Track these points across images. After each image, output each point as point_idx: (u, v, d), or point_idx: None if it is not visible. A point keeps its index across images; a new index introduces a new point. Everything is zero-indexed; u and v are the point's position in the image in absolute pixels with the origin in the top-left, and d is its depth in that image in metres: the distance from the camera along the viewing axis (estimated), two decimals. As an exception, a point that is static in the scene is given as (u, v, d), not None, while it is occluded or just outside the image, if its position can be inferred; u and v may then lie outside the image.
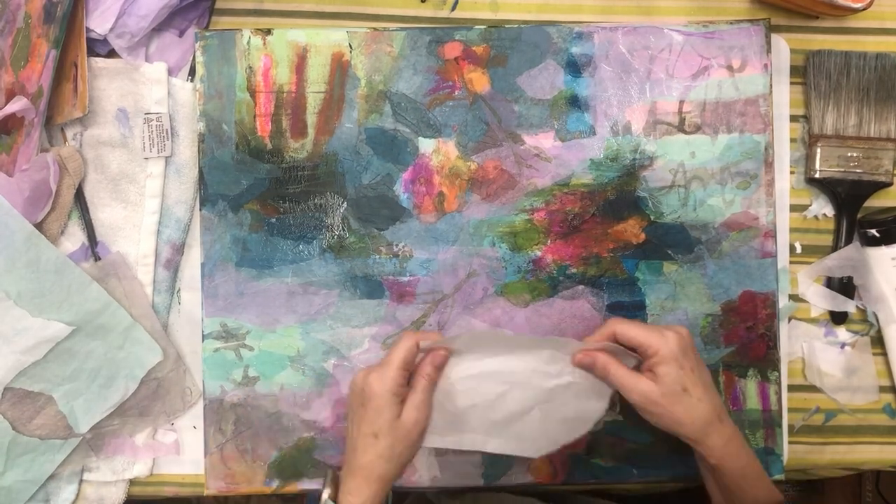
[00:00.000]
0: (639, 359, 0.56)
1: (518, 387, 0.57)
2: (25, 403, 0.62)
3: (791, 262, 0.68)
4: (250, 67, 0.65)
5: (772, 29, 0.66)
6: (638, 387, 0.55)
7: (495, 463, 0.65)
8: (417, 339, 0.56)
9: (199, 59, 0.65)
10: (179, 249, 0.66)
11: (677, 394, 0.54)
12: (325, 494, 0.55)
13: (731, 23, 0.66)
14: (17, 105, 0.60)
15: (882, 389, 0.68)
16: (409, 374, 0.56)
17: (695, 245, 0.65)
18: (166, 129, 0.65)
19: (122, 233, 0.65)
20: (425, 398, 0.55)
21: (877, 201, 0.68)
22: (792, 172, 0.68)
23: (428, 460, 0.65)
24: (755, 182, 0.65)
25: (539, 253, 0.65)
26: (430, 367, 0.56)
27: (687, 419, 0.54)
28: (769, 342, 0.65)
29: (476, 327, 0.65)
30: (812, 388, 0.67)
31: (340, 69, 0.65)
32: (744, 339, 0.65)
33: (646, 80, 0.65)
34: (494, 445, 0.58)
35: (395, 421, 0.54)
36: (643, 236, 0.65)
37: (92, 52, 0.65)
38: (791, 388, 0.67)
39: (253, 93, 0.65)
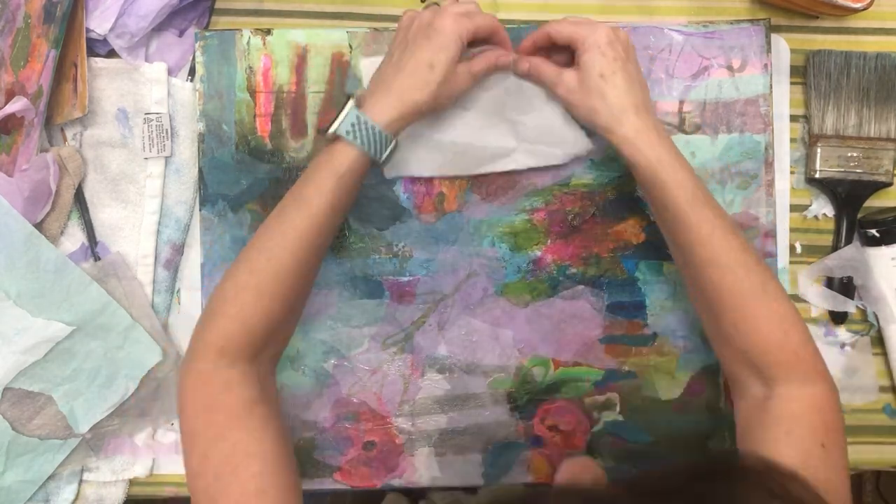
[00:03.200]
0: None
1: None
2: (25, 403, 0.62)
3: (791, 263, 0.67)
4: (250, 67, 0.65)
5: (772, 29, 0.66)
6: (562, 78, 0.57)
7: (495, 463, 0.65)
8: (499, 26, 0.58)
9: (199, 59, 0.65)
10: (179, 249, 0.66)
11: (594, 80, 0.55)
12: (351, 102, 0.54)
13: (731, 23, 0.66)
14: (17, 105, 0.60)
15: (882, 389, 0.68)
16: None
17: (695, 245, 0.65)
18: (166, 129, 0.65)
19: (121, 233, 0.65)
20: (484, 69, 0.59)
21: (877, 201, 0.68)
22: (792, 172, 0.68)
23: (428, 460, 0.65)
24: (755, 182, 0.65)
25: (539, 253, 0.65)
26: (500, 56, 0.59)
27: (600, 106, 0.55)
28: (769, 342, 0.65)
29: (476, 327, 0.65)
30: (812, 389, 0.67)
31: (340, 69, 0.65)
32: (744, 339, 0.65)
33: (646, 80, 0.65)
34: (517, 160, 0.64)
35: (453, 64, 0.55)
36: (643, 236, 0.65)
37: (92, 52, 0.65)
38: (791, 388, 0.67)
39: (253, 93, 0.65)
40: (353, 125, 0.53)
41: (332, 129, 0.53)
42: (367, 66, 0.64)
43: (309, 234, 0.53)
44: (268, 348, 0.54)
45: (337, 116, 0.54)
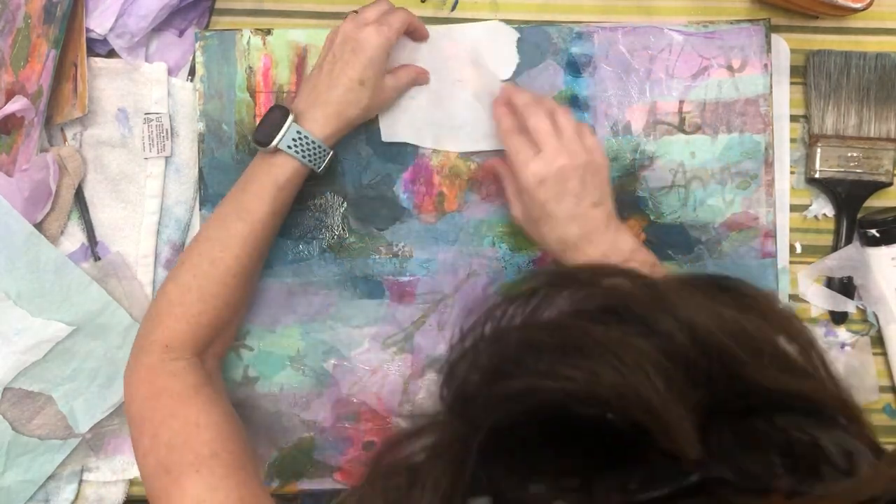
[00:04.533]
0: None
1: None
2: (25, 403, 0.62)
3: (791, 263, 0.67)
4: (250, 67, 0.65)
5: (772, 29, 0.66)
6: (513, 208, 0.59)
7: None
8: (413, 18, 0.61)
9: (199, 59, 0.65)
10: (179, 249, 0.66)
11: (530, 222, 0.57)
12: (291, 118, 0.56)
13: (731, 23, 0.66)
14: (17, 105, 0.60)
15: (882, 389, 0.68)
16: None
17: (695, 245, 0.65)
18: (166, 129, 0.65)
19: (122, 233, 0.65)
20: (407, 83, 0.62)
21: (877, 201, 0.68)
22: (792, 172, 0.68)
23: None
24: (755, 182, 0.65)
25: (539, 253, 0.65)
26: (422, 71, 0.63)
27: (542, 243, 0.58)
28: (769, 342, 0.65)
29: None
30: (812, 389, 0.67)
31: (340, 69, 0.65)
32: (744, 339, 0.65)
33: (646, 80, 0.65)
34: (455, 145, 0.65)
35: (381, 78, 0.58)
36: (643, 236, 0.65)
37: (92, 52, 0.65)
38: (791, 388, 0.67)
39: (253, 93, 0.65)
40: (293, 140, 0.56)
41: (273, 144, 0.55)
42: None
43: (250, 241, 0.56)
44: (212, 346, 0.57)
45: (269, 128, 0.56)
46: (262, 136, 0.56)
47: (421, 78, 0.63)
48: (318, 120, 0.57)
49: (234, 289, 0.56)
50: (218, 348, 0.58)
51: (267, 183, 0.56)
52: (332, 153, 0.58)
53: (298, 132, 0.56)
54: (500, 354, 0.29)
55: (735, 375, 0.26)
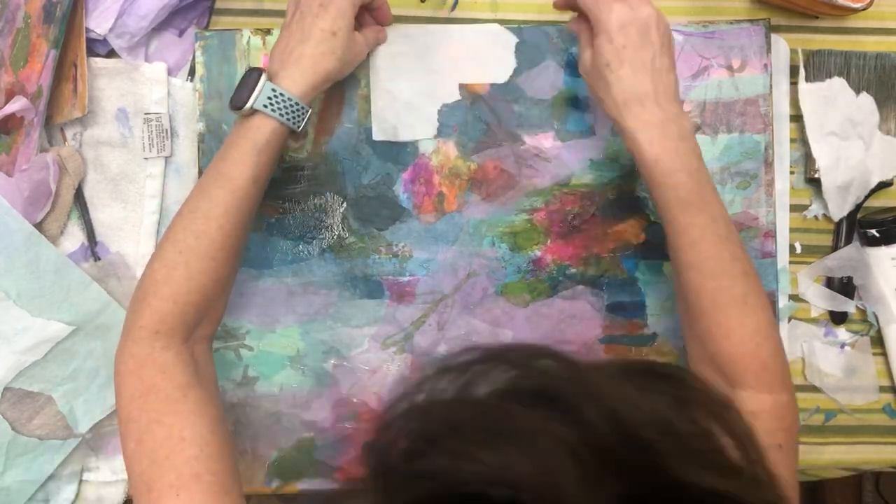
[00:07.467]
0: None
1: None
2: (25, 403, 0.62)
3: (791, 262, 0.67)
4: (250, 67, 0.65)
5: (772, 29, 0.66)
6: (583, 56, 0.56)
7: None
8: None
9: (199, 59, 0.65)
10: (179, 249, 0.66)
11: (599, 68, 0.54)
12: (264, 76, 0.54)
13: (731, 23, 0.66)
14: (16, 105, 0.60)
15: (882, 389, 0.68)
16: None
17: (695, 245, 0.65)
18: (166, 129, 0.65)
19: (121, 233, 0.65)
20: (373, 44, 0.63)
21: (877, 201, 0.68)
22: (792, 172, 0.68)
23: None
24: (755, 182, 0.65)
25: (539, 253, 0.65)
26: (382, 30, 0.64)
27: (605, 96, 0.54)
28: (769, 342, 0.65)
29: (476, 327, 0.65)
30: (812, 388, 0.67)
31: (340, 69, 0.65)
32: (744, 339, 0.65)
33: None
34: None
35: (352, 30, 0.57)
36: (643, 236, 0.65)
37: (92, 52, 0.65)
38: (791, 388, 0.67)
39: (253, 93, 0.65)
40: (269, 99, 0.54)
41: (248, 105, 0.54)
42: None
43: (233, 209, 0.54)
44: (201, 327, 0.54)
45: (244, 90, 0.54)
46: (237, 99, 0.54)
47: (381, 37, 0.64)
48: (293, 76, 0.55)
49: (221, 263, 0.54)
50: (206, 329, 0.55)
51: (246, 147, 0.54)
52: (310, 111, 0.57)
53: (273, 90, 0.54)
54: (424, 430, 0.29)
55: (657, 470, 0.26)
